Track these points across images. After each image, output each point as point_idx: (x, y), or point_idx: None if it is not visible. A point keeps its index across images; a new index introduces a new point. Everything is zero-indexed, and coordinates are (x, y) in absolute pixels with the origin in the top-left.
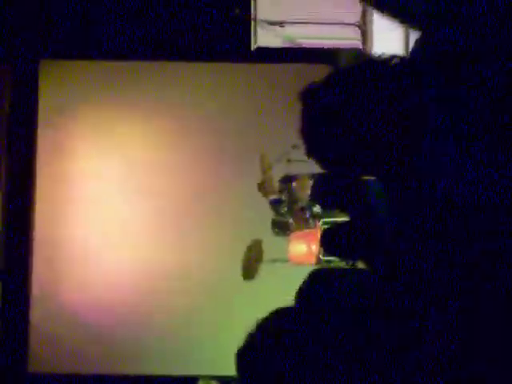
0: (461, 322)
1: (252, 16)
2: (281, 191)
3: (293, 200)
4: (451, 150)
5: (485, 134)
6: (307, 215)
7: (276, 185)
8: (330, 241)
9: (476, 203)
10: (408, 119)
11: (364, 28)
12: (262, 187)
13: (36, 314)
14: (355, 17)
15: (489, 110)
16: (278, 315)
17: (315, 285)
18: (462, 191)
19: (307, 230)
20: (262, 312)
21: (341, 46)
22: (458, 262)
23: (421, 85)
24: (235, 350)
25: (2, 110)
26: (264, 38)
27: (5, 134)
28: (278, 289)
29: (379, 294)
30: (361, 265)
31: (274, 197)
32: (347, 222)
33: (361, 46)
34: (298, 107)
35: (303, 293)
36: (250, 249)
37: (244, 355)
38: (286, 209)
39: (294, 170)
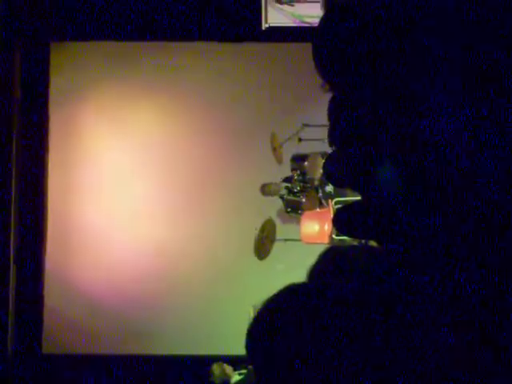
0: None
1: None
2: (293, 170)
3: (305, 179)
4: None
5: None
6: (319, 194)
7: (278, 187)
8: (343, 220)
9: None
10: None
11: None
12: (265, 189)
13: (50, 296)
14: None
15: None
16: (288, 291)
17: (327, 265)
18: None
19: (319, 210)
20: (275, 291)
21: None
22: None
23: None
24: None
25: (13, 92)
26: (274, 17)
27: (16, 117)
28: (291, 268)
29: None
30: (373, 244)
31: (281, 192)
32: (360, 201)
33: None
34: (308, 87)
35: (315, 271)
36: (262, 228)
37: (252, 332)
38: (298, 188)
39: (306, 149)
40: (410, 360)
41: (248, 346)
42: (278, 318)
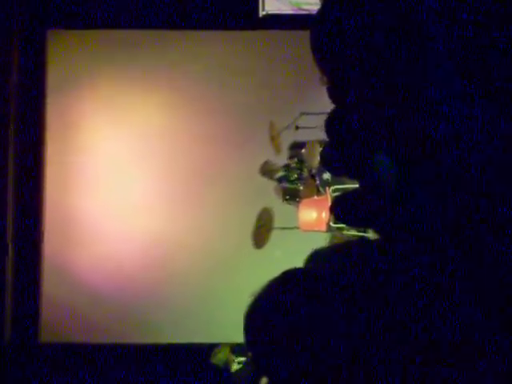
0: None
1: None
2: (291, 158)
3: (302, 167)
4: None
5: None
6: (317, 182)
7: (277, 165)
8: (340, 208)
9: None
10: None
11: None
12: (264, 169)
13: (48, 285)
14: None
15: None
16: (285, 275)
17: (324, 252)
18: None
19: (317, 197)
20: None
21: None
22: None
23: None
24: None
25: (10, 81)
26: (271, 4)
27: (14, 105)
28: (289, 256)
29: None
30: (371, 232)
31: (279, 174)
32: (357, 189)
33: None
34: (306, 76)
35: (312, 258)
36: (260, 217)
37: (249, 317)
38: (296, 176)
39: (303, 137)
40: (394, 335)
41: (244, 330)
42: (275, 301)
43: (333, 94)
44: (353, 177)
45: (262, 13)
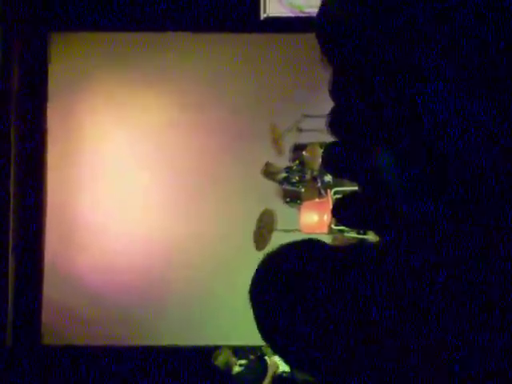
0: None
1: None
2: (292, 160)
3: (304, 169)
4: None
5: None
6: (318, 184)
7: (279, 167)
8: (342, 210)
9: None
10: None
11: None
12: (266, 171)
13: (49, 287)
14: None
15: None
16: (285, 247)
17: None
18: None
19: (319, 200)
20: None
21: None
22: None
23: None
24: (248, 319)
25: (11, 83)
26: (273, 7)
27: (14, 108)
28: None
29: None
30: (371, 235)
31: (281, 176)
32: (358, 190)
33: None
34: (307, 77)
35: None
36: (261, 219)
37: (254, 290)
38: (297, 178)
39: (304, 139)
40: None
41: (251, 304)
42: (277, 274)
43: (335, 89)
44: (353, 178)
45: (263, 15)
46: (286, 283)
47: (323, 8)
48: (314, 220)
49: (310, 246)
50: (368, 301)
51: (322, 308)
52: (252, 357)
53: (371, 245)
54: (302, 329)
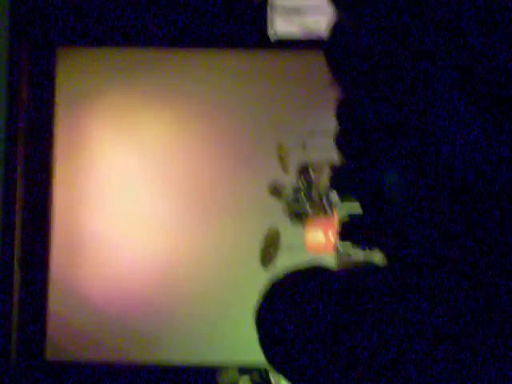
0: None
1: (269, 4)
2: (298, 177)
3: (310, 187)
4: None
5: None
6: (324, 203)
7: (284, 184)
8: (347, 229)
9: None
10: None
11: None
12: (271, 189)
13: (54, 302)
14: None
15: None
16: (293, 272)
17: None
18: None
19: (324, 218)
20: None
21: None
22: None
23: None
24: (252, 337)
25: (19, 98)
26: (282, 27)
27: (22, 123)
28: None
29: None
30: (377, 253)
31: (286, 194)
32: (364, 210)
33: None
34: (314, 95)
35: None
36: (267, 236)
37: (260, 312)
38: (303, 196)
39: (311, 157)
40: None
41: (256, 325)
42: (283, 297)
43: (342, 109)
44: (360, 197)
45: (272, 36)
46: (289, 313)
47: (333, 29)
48: (319, 239)
49: (313, 274)
50: (372, 328)
51: (327, 334)
52: (256, 376)
53: (375, 267)
54: (305, 352)
